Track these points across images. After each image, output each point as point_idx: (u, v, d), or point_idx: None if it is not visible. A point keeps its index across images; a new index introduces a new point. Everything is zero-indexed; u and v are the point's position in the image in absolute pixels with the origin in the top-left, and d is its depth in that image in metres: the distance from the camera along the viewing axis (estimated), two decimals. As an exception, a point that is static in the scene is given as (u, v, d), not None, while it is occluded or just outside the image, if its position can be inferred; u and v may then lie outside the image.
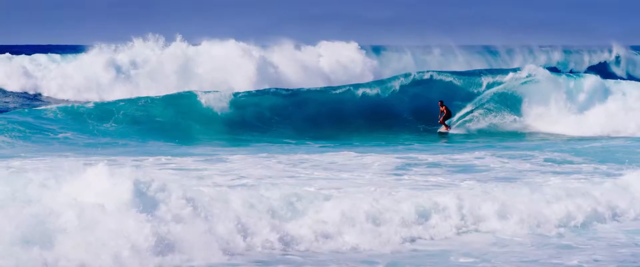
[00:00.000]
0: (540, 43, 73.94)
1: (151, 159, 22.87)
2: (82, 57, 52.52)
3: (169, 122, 33.80)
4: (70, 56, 53.73)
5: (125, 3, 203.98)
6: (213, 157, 23.61)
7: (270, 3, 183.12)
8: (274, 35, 58.83)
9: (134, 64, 52.51)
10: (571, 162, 23.65)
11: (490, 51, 69.17)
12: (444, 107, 36.17)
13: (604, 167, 22.55)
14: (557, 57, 72.49)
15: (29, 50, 57.20)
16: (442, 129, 36.17)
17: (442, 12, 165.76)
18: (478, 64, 62.54)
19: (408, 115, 38.27)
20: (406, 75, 41.17)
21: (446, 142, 32.73)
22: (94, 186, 13.07)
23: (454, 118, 37.34)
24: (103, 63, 51.75)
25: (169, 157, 23.35)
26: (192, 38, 54.79)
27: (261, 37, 56.96)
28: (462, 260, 13.49)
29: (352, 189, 17.54)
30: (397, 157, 23.78)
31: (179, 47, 53.38)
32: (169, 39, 53.89)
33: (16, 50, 56.66)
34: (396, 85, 40.12)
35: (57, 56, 54.26)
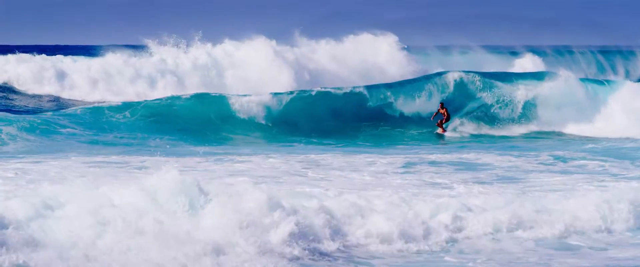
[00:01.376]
0: (553, 42, 73.05)
1: (161, 158, 23.05)
2: (107, 59, 52.25)
3: (190, 121, 34.01)
4: (92, 58, 53.22)
5: (129, 3, 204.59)
6: (224, 156, 23.74)
7: (281, 3, 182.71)
8: (290, 34, 55.87)
9: (163, 66, 52.21)
10: (583, 163, 23.60)
11: (511, 52, 68.80)
12: (444, 110, 35.99)
13: (606, 165, 22.64)
14: (585, 59, 71.46)
15: (37, 50, 56.69)
16: (439, 130, 35.94)
17: (455, 12, 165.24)
18: (498, 66, 62.16)
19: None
20: (439, 74, 41.20)
21: (481, 144, 32.37)
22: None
23: (459, 113, 37.63)
24: (132, 66, 51.59)
25: (176, 157, 23.50)
26: (206, 37, 53.77)
27: (279, 36, 54.81)
28: (449, 259, 13.60)
29: (361, 191, 17.54)
30: (417, 158, 24.00)
31: (202, 48, 52.97)
32: (183, 38, 53.35)
33: (24, 50, 56.21)
34: (428, 84, 40.04)
35: (79, 58, 53.97)
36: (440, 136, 35.55)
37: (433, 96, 39.02)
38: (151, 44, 52.28)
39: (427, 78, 41.27)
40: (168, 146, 28.15)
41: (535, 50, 68.82)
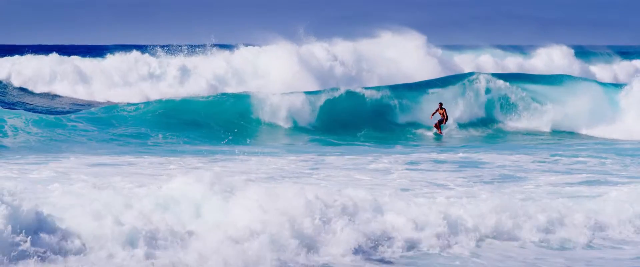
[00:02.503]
0: (562, 41, 72.46)
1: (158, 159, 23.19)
2: (123, 61, 52.16)
3: (207, 120, 34.22)
4: (107, 59, 52.93)
5: (131, 4, 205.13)
6: (243, 156, 23.82)
7: (294, 6, 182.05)
8: (304, 36, 54.54)
9: (183, 73, 52.31)
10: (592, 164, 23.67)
11: (523, 52, 68.56)
12: (443, 110, 35.95)
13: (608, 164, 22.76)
14: (603, 59, 71.01)
15: (44, 50, 56.68)
16: (436, 131, 35.85)
17: (459, 14, 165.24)
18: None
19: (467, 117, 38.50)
20: (469, 75, 41.48)
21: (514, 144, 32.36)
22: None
23: (476, 113, 37.89)
24: (151, 69, 51.78)
25: (192, 156, 23.72)
26: (217, 39, 53.48)
27: (296, 38, 53.75)
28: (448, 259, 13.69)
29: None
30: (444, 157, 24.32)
31: (219, 54, 52.72)
32: (195, 43, 53.20)
33: (33, 50, 56.29)
34: (458, 85, 40.31)
35: (95, 59, 53.68)
36: (438, 137, 35.55)
37: (458, 97, 39.28)
38: (160, 52, 52.12)
39: (451, 79, 41.59)
40: (184, 146, 28.40)
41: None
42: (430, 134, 35.82)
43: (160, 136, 30.38)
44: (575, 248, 14.55)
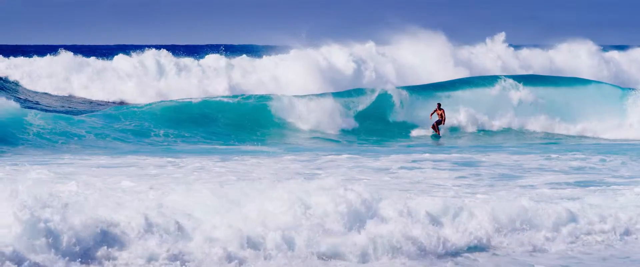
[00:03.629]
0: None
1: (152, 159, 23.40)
2: (142, 62, 52.33)
3: (224, 119, 34.52)
4: (119, 61, 52.93)
5: (133, 4, 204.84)
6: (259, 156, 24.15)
7: (309, 9, 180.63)
8: (321, 38, 54.48)
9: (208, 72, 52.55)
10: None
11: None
12: (441, 111, 36.07)
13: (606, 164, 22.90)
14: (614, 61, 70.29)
15: (46, 50, 56.84)
16: (434, 131, 36.07)
17: (458, 15, 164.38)
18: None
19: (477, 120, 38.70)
20: (496, 78, 41.79)
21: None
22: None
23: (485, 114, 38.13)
24: (165, 72, 52.04)
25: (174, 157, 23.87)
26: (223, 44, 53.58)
27: (301, 40, 53.47)
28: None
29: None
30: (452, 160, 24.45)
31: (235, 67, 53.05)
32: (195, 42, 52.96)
33: (36, 50, 56.25)
34: (479, 87, 40.73)
35: (112, 59, 53.51)
36: (436, 137, 35.69)
37: (480, 98, 39.58)
38: (167, 53, 52.22)
39: (474, 80, 42.03)
40: (201, 145, 28.75)
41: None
42: (422, 132, 36.08)
43: (158, 133, 30.69)
44: (569, 247, 14.70)
